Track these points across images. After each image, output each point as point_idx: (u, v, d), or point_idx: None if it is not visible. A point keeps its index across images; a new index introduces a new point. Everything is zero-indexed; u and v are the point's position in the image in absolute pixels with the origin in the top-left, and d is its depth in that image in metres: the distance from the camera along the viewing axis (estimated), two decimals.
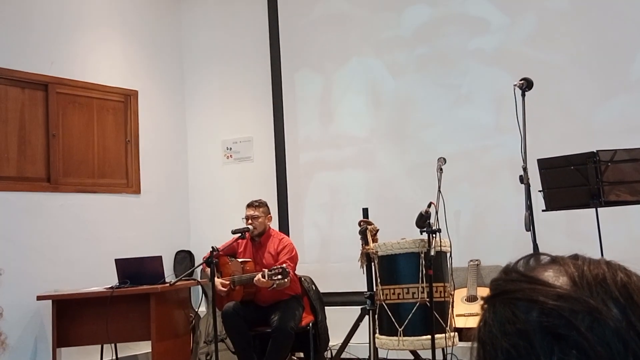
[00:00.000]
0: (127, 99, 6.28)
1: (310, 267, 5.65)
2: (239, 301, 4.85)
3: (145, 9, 6.56)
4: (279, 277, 4.52)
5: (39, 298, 4.92)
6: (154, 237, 6.26)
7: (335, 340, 5.04)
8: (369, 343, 4.43)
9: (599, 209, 3.89)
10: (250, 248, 5.07)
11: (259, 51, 6.51)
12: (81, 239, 5.66)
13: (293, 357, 5.19)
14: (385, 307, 4.22)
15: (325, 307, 5.18)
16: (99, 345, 5.07)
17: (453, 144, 5.42)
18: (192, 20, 6.90)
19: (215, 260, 4.47)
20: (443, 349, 4.13)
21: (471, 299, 5.00)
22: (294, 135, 6.33)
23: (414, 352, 4.50)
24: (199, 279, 5.45)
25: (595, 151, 3.81)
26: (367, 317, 4.46)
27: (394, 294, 4.20)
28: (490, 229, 5.32)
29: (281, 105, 6.37)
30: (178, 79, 6.84)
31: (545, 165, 3.99)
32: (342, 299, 5.59)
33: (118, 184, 6.13)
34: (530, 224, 3.68)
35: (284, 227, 6.15)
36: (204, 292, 5.40)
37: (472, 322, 4.67)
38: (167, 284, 4.80)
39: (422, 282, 4.08)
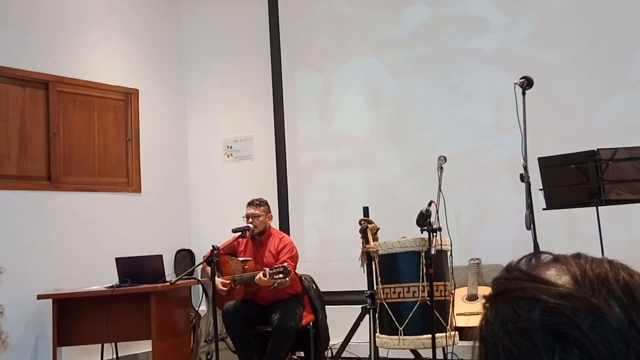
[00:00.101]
0: (128, 98, 6.28)
1: (310, 266, 5.65)
2: (240, 300, 4.85)
3: (146, 8, 6.56)
4: (281, 276, 4.52)
5: (40, 297, 4.92)
6: (154, 235, 6.27)
7: (335, 340, 5.04)
8: (370, 342, 4.43)
9: (599, 207, 3.89)
10: (251, 247, 5.07)
11: (260, 50, 6.52)
12: (82, 238, 5.66)
13: (293, 356, 5.19)
14: (386, 306, 4.22)
15: (326, 306, 5.18)
16: (100, 345, 5.07)
17: (453, 143, 5.42)
18: (193, 20, 6.90)
19: (215, 259, 4.47)
20: (443, 348, 4.13)
21: (472, 297, 5.00)
22: (294, 134, 6.33)
23: (414, 351, 4.50)
24: (200, 278, 5.45)
25: (595, 150, 3.81)
26: (367, 316, 4.46)
27: (394, 292, 4.20)
28: (491, 228, 5.32)
29: (281, 104, 6.37)
30: (179, 78, 6.84)
31: (546, 163, 3.99)
32: (343, 297, 5.59)
33: (119, 182, 6.13)
34: (530, 223, 3.68)
35: (284, 225, 6.15)
36: (204, 291, 5.40)
37: (473, 321, 4.67)
38: (168, 283, 4.80)
39: (423, 280, 4.08)
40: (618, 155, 3.81)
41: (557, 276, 0.67)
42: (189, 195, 6.79)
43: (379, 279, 4.32)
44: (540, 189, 4.03)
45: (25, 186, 5.35)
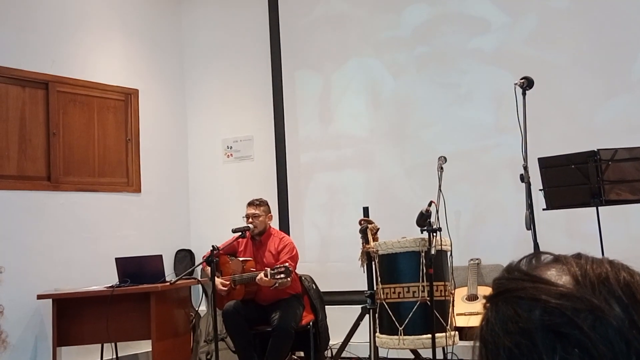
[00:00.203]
0: (128, 98, 6.28)
1: (310, 266, 5.65)
2: (240, 300, 4.85)
3: (146, 8, 6.56)
4: (282, 276, 4.52)
5: (40, 297, 4.92)
6: (154, 236, 6.27)
7: (335, 340, 5.04)
8: (370, 342, 4.43)
9: (599, 207, 3.89)
10: (251, 247, 5.07)
11: (260, 51, 6.52)
12: (81, 238, 5.66)
13: (293, 356, 5.18)
14: (386, 306, 4.22)
15: (326, 306, 5.18)
16: (99, 345, 5.07)
17: (453, 143, 5.42)
18: (193, 20, 6.90)
19: (215, 259, 4.47)
20: (443, 348, 4.13)
21: (471, 298, 5.00)
22: (294, 134, 6.33)
23: (414, 351, 4.50)
24: (199, 278, 5.45)
25: (596, 150, 3.81)
26: (367, 316, 4.46)
27: (394, 292, 4.20)
28: (491, 228, 5.32)
29: (281, 104, 6.37)
30: (179, 78, 6.84)
31: (546, 164, 3.99)
32: (343, 298, 5.59)
33: (118, 182, 6.13)
34: (530, 223, 3.68)
35: (284, 225, 6.15)
36: (204, 291, 5.40)
37: (473, 321, 4.67)
38: (168, 283, 4.80)
39: (423, 281, 4.08)
40: (618, 156, 3.81)
41: (557, 276, 0.67)
42: (188, 195, 6.79)
43: (379, 279, 4.32)
44: (540, 189, 4.03)
45: (25, 186, 5.35)
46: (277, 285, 4.59)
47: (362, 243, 4.55)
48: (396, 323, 4.14)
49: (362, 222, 4.60)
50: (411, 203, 4.94)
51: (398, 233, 4.39)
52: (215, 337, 4.37)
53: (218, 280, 4.79)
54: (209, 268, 4.60)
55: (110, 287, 4.86)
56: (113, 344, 5.11)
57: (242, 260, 4.95)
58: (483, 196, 5.42)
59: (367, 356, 4.58)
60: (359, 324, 4.59)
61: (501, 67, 5.36)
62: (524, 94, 3.85)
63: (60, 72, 5.66)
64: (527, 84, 3.85)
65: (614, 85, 5.06)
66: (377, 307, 4.35)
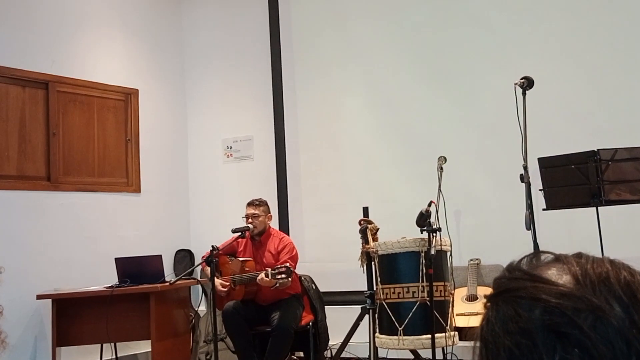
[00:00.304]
0: (128, 98, 6.28)
1: (310, 266, 5.64)
2: (240, 300, 4.85)
3: (146, 8, 6.56)
4: (283, 276, 4.51)
5: (39, 297, 4.92)
6: (154, 236, 6.26)
7: (335, 340, 5.04)
8: (369, 342, 4.42)
9: (599, 207, 3.89)
10: (251, 247, 5.06)
11: (260, 50, 6.52)
12: (81, 238, 5.66)
13: (293, 356, 5.18)
14: (386, 306, 4.22)
15: (325, 307, 5.18)
16: (99, 345, 5.07)
17: (453, 143, 5.42)
18: (193, 20, 6.90)
19: (215, 259, 4.47)
20: (443, 349, 4.13)
21: (471, 298, 5.00)
22: (294, 134, 6.32)
23: (414, 352, 4.50)
24: (199, 278, 5.45)
25: (596, 150, 3.81)
26: (367, 316, 4.45)
27: (394, 293, 4.19)
28: (491, 228, 5.31)
29: (281, 104, 6.37)
30: (179, 78, 6.84)
31: (546, 164, 3.99)
32: (342, 298, 5.59)
33: (118, 182, 6.12)
34: (530, 223, 3.68)
35: (284, 226, 6.15)
36: (203, 291, 5.40)
37: (473, 322, 4.67)
38: (167, 283, 4.80)
39: (423, 281, 4.08)
40: (618, 156, 3.80)
41: (558, 276, 0.67)
42: (188, 195, 6.79)
43: (379, 279, 4.32)
44: (540, 189, 4.02)
45: (25, 186, 5.35)
46: (277, 285, 4.58)
47: (362, 243, 4.55)
48: (396, 323, 4.14)
49: (361, 222, 4.60)
50: (411, 203, 4.93)
51: (398, 233, 4.38)
52: (215, 337, 4.36)
53: (218, 281, 4.79)
54: (208, 268, 4.59)
55: (109, 287, 4.86)
56: (112, 344, 5.11)
57: (242, 261, 4.95)
58: (483, 196, 5.42)
59: (367, 356, 4.57)
60: (358, 324, 4.59)
61: (501, 67, 5.36)
62: (524, 93, 3.85)
63: (60, 72, 5.66)
64: (527, 84, 3.85)
65: (614, 85, 5.05)
66: (376, 308, 4.35)
